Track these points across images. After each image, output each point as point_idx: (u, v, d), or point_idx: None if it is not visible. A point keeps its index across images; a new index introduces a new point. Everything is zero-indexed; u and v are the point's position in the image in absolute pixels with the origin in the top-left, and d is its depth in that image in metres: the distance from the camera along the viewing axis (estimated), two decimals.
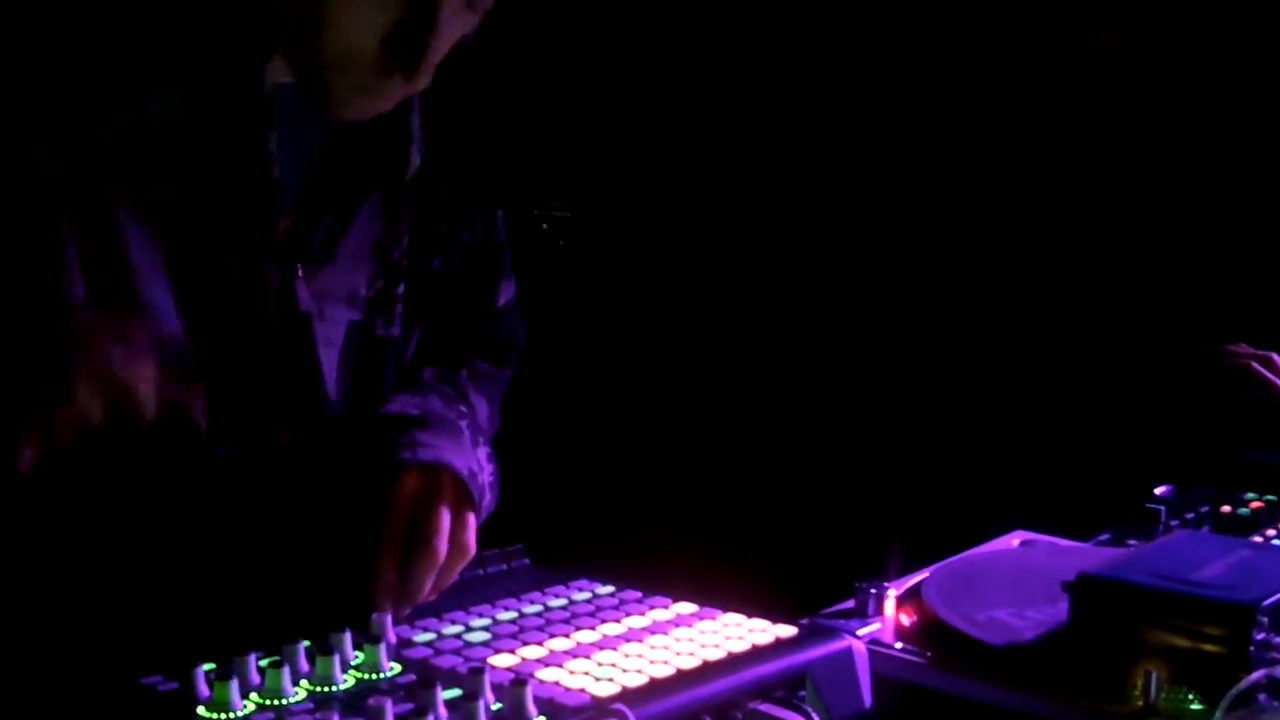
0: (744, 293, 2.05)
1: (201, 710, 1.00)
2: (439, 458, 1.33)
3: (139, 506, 1.29)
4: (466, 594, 1.27)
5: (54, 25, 1.25)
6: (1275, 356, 2.02)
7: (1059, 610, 1.23)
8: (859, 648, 1.16)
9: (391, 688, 1.06)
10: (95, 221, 1.25)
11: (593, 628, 1.18)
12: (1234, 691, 1.06)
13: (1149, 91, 2.22)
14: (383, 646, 1.09)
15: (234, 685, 1.01)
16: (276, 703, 1.02)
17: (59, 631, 1.23)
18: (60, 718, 1.04)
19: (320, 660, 1.06)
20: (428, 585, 1.24)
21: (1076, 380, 2.18)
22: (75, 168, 1.24)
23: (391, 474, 1.30)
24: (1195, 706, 1.10)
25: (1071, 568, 1.23)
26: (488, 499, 1.41)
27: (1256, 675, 1.07)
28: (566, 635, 1.16)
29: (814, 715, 1.07)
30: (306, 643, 1.08)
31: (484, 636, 1.17)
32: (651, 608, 1.24)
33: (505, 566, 1.35)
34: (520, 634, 1.17)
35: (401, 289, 1.49)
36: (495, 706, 1.00)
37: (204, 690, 1.02)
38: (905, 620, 1.30)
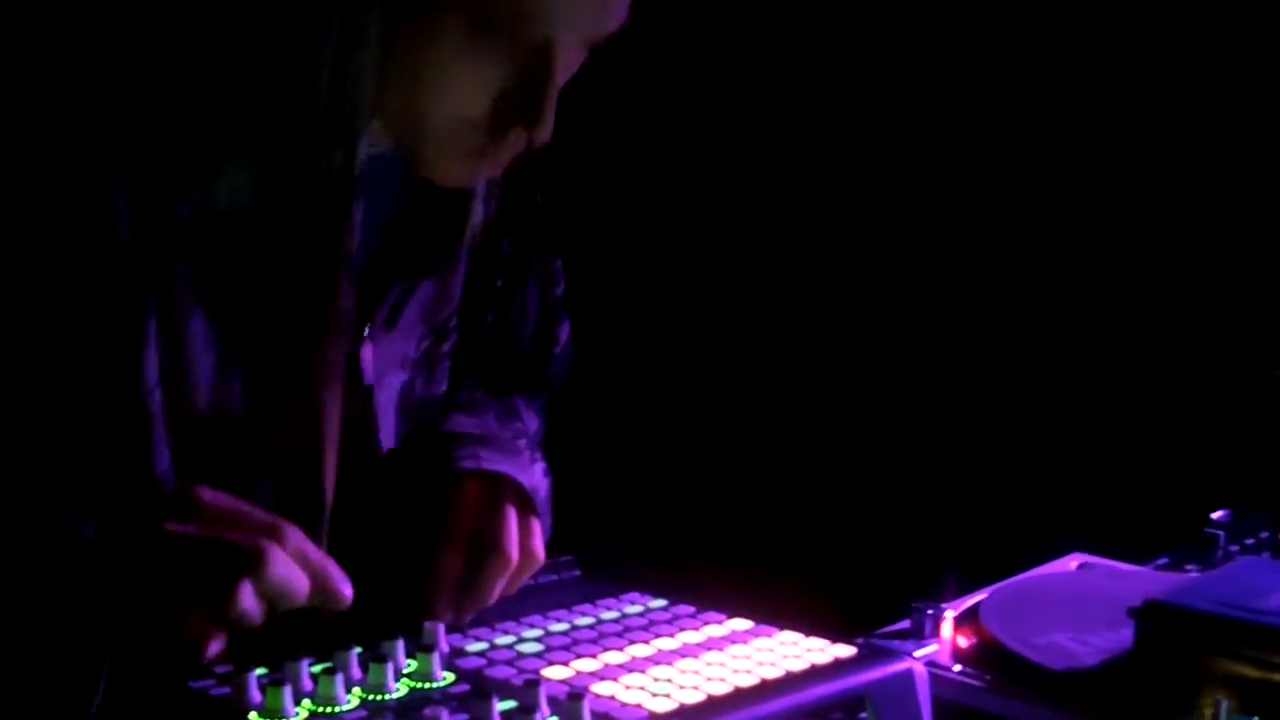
0: (804, 306, 2.03)
1: (253, 716, 0.99)
2: (500, 469, 1.31)
3: None
4: (517, 604, 1.25)
5: (132, 99, 1.17)
6: None
7: (1122, 636, 1.21)
8: (920, 670, 1.13)
9: (445, 697, 1.04)
10: (165, 304, 1.19)
11: (646, 642, 1.16)
12: None
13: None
14: (436, 655, 1.07)
15: (286, 691, 0.99)
16: (329, 710, 1.00)
17: (108, 634, 1.21)
18: None
19: (373, 668, 1.04)
20: (498, 591, 1.22)
21: (1134, 402, 2.16)
22: (149, 249, 1.17)
23: (452, 483, 1.29)
24: None
25: (1132, 593, 1.21)
26: (547, 519, 1.38)
27: None
28: (620, 649, 1.14)
29: None
30: (359, 649, 1.07)
31: (537, 648, 1.15)
32: (706, 623, 1.22)
33: (556, 577, 1.33)
34: (573, 646, 1.15)
35: (448, 347, 1.45)
36: None
37: (256, 696, 1.00)
38: (963, 642, 1.28)
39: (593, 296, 1.85)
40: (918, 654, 1.23)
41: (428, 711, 0.95)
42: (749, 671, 1.09)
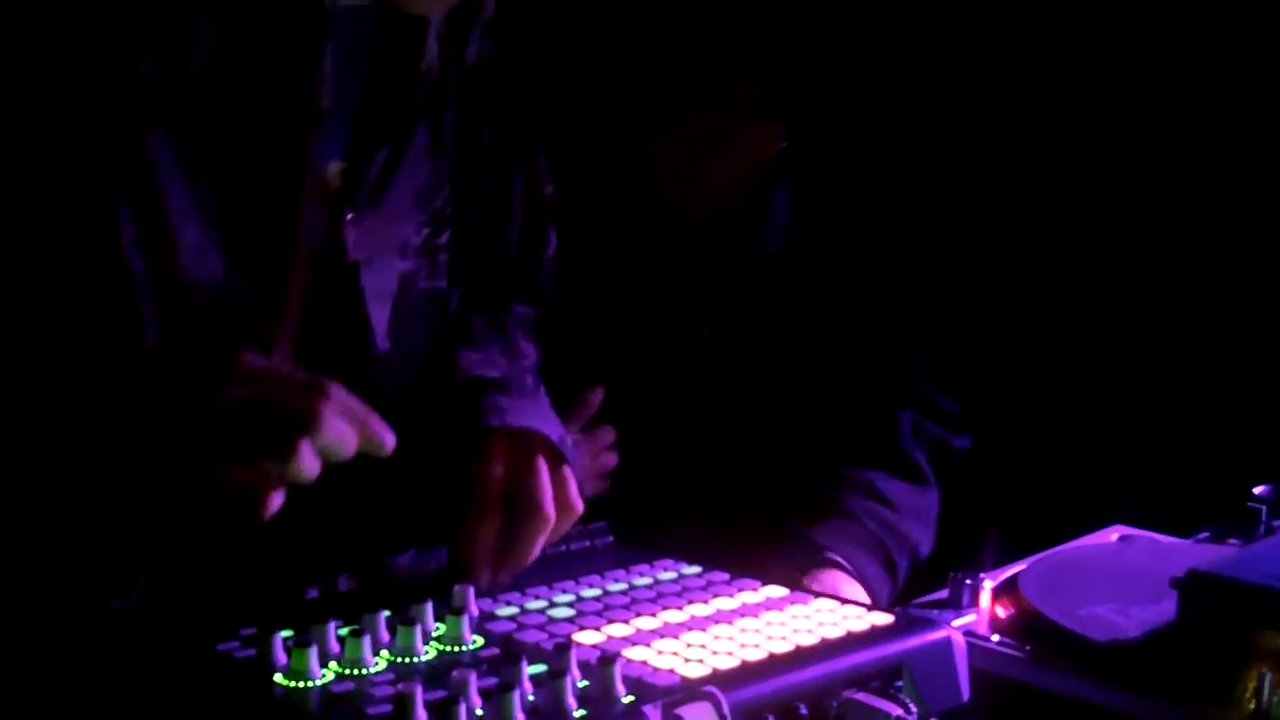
0: (836, 265, 2.01)
1: (279, 678, 0.97)
2: (526, 424, 1.29)
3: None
4: (549, 570, 1.24)
5: None
6: None
7: (1164, 608, 1.18)
8: (958, 639, 1.11)
9: (474, 661, 1.02)
10: (134, 163, 1.17)
11: (680, 608, 1.14)
12: None
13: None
14: (465, 619, 1.06)
15: (313, 653, 0.98)
16: (356, 672, 0.99)
17: (137, 597, 1.20)
18: (137, 684, 1.01)
19: (402, 630, 1.02)
20: (538, 549, 1.20)
21: (1177, 375, 2.13)
22: (112, 108, 1.15)
23: (481, 442, 1.27)
24: None
25: (1174, 565, 1.18)
26: (576, 461, 1.37)
27: None
28: (653, 614, 1.12)
29: (912, 707, 1.02)
30: (387, 612, 1.05)
31: (568, 613, 1.13)
32: (740, 590, 1.20)
33: (589, 543, 1.31)
34: (605, 611, 1.13)
35: (445, 239, 1.43)
36: (582, 684, 0.96)
37: (281, 658, 0.99)
38: (1001, 613, 1.26)
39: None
40: (956, 624, 1.20)
41: (456, 674, 0.93)
42: (784, 638, 1.07)
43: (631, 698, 0.95)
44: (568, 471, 1.28)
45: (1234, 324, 2.14)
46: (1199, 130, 2.22)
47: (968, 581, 1.27)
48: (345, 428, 1.08)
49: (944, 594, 1.29)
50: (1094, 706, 1.13)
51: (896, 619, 1.13)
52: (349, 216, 1.31)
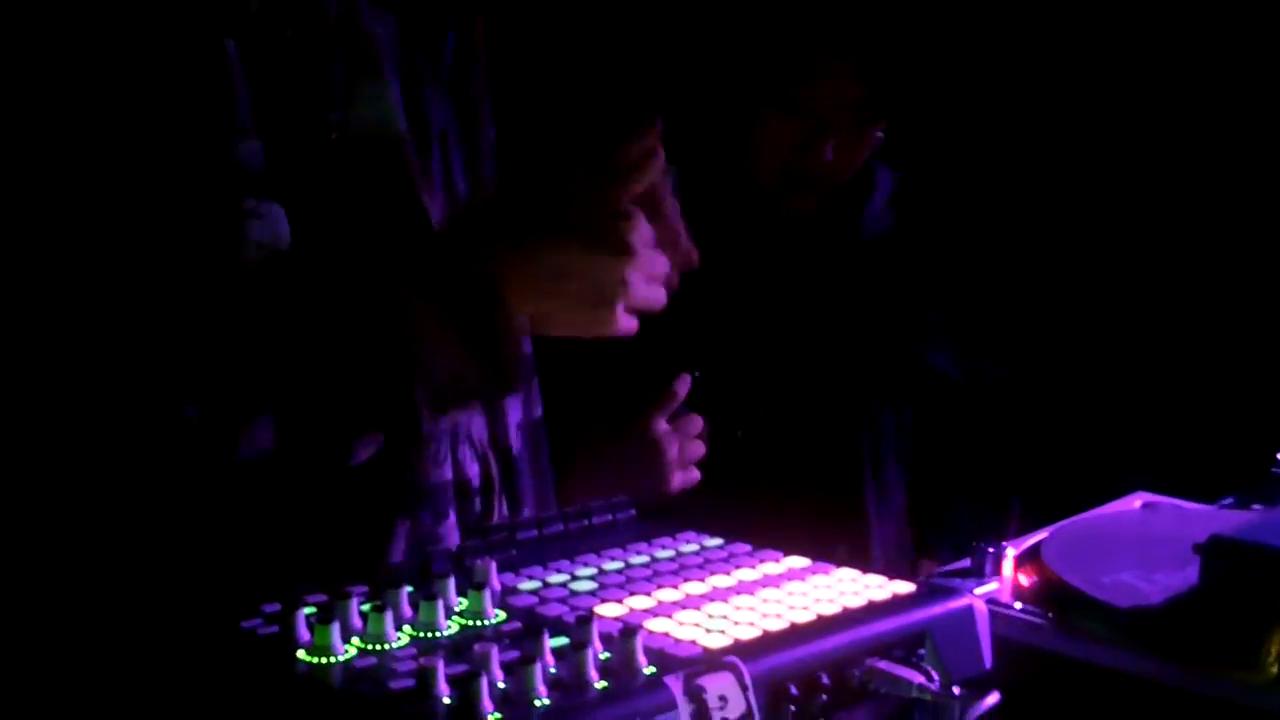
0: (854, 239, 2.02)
1: (302, 654, 0.98)
2: None
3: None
4: (571, 544, 1.24)
5: None
6: None
7: (1188, 574, 1.18)
8: (980, 607, 1.11)
9: (497, 635, 1.02)
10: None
11: (701, 579, 1.14)
12: None
13: None
14: (487, 593, 1.06)
15: (335, 629, 0.98)
16: (379, 647, 0.99)
17: (161, 574, 1.21)
18: (163, 663, 1.02)
19: (424, 605, 1.03)
20: None
21: (1200, 342, 2.12)
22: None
23: None
24: None
25: (1198, 531, 1.18)
26: None
27: None
28: (675, 586, 1.12)
29: (934, 675, 1.02)
30: (409, 587, 1.05)
31: (590, 586, 1.13)
32: (762, 561, 1.20)
33: (610, 517, 1.31)
34: (627, 584, 1.13)
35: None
36: (604, 656, 0.96)
37: (304, 634, 0.99)
38: (1024, 580, 1.25)
39: None
40: (978, 592, 1.20)
41: (478, 647, 0.93)
42: (806, 609, 1.07)
43: (653, 669, 0.95)
44: None
45: (1257, 292, 2.14)
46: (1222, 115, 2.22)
47: (990, 550, 1.27)
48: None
49: (967, 563, 1.28)
50: (1117, 673, 1.12)
51: (918, 588, 1.13)
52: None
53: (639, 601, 1.09)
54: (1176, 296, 2.17)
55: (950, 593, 1.13)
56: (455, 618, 1.05)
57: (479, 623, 1.04)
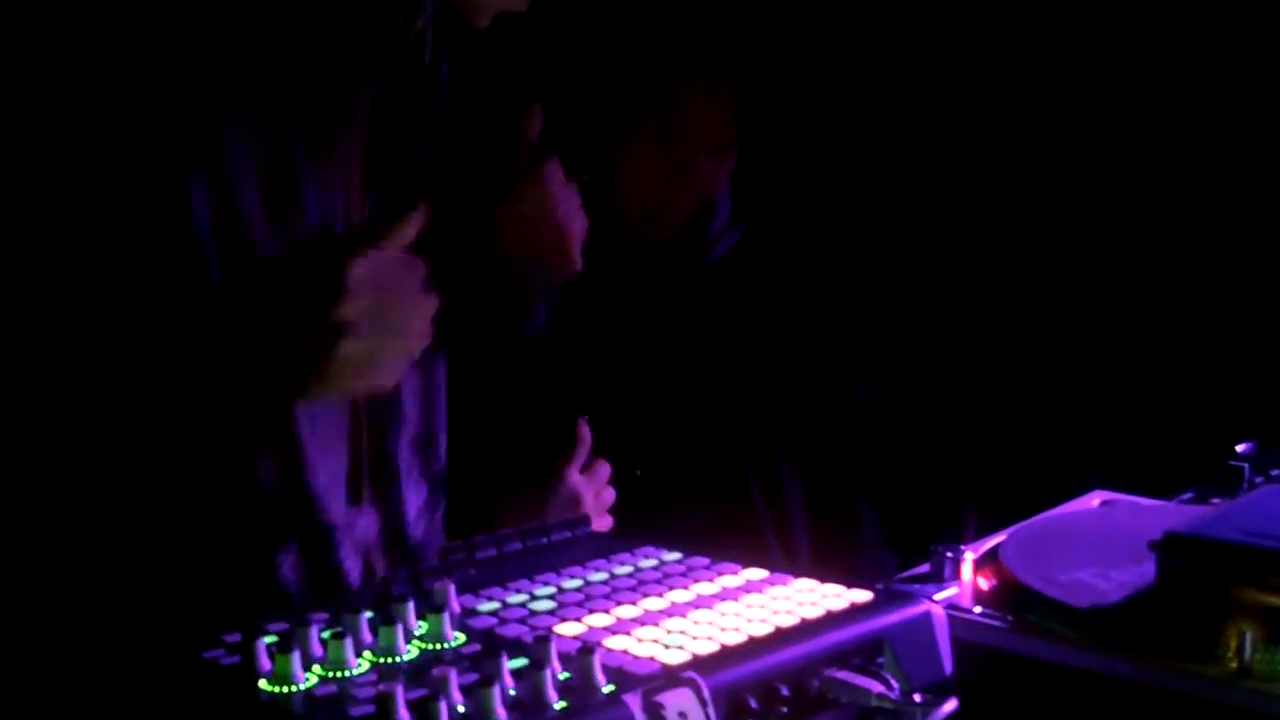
0: (815, 245, 2.03)
1: (264, 684, 0.98)
2: None
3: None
4: (530, 562, 1.24)
5: None
6: None
7: (1145, 571, 1.19)
8: (938, 613, 1.12)
9: (456, 658, 1.03)
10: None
11: (660, 595, 1.15)
12: None
13: None
14: (446, 616, 1.06)
15: (295, 657, 0.98)
16: (339, 674, 0.99)
17: (121, 605, 1.21)
18: (126, 694, 1.02)
19: (383, 631, 1.03)
20: None
21: (1154, 337, 2.14)
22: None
23: None
24: None
25: (1156, 527, 1.18)
26: None
27: None
28: (634, 603, 1.13)
29: (894, 683, 1.03)
30: (369, 613, 1.06)
31: (549, 605, 1.13)
32: (720, 574, 1.20)
33: (570, 535, 1.32)
34: (586, 602, 1.14)
35: None
36: (563, 676, 0.97)
37: (266, 664, 0.99)
38: (983, 584, 1.26)
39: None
40: (938, 597, 1.21)
41: (436, 672, 0.93)
42: (764, 620, 1.08)
43: (612, 687, 0.95)
44: None
45: (1209, 287, 2.15)
46: (1173, 111, 2.23)
47: (949, 554, 1.27)
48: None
49: (926, 568, 1.29)
50: (1078, 671, 1.13)
51: (875, 595, 1.13)
52: None
53: (598, 619, 1.09)
54: (1129, 294, 2.18)
55: (908, 599, 1.13)
56: (415, 642, 1.05)
57: (438, 646, 1.05)
